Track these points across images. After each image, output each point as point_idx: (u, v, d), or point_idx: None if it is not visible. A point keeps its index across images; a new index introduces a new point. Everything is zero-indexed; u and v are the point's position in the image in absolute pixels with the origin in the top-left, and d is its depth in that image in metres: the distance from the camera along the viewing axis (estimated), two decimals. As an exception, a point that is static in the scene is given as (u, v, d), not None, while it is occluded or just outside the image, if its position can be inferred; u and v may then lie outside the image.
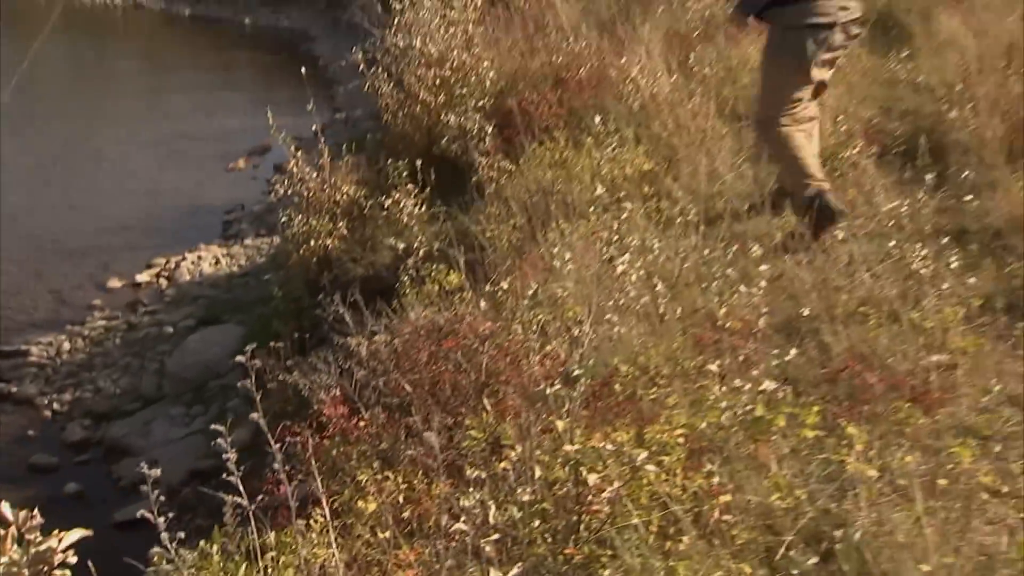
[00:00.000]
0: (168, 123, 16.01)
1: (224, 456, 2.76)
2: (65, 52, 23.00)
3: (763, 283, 4.07)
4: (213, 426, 2.72)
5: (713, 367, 3.61)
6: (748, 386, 3.36)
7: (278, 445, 3.35)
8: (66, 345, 8.67)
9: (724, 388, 3.44)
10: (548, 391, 3.05)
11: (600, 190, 4.93)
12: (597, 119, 6.27)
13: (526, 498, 2.86)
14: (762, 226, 5.20)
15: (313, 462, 3.41)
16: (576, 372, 3.04)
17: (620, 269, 4.30)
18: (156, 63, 21.28)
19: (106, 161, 13.89)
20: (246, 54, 21.77)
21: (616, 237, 4.48)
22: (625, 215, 4.69)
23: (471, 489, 2.94)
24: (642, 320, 4.21)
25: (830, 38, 5.02)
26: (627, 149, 6.06)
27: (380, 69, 8.66)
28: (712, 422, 3.24)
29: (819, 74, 5.11)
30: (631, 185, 5.54)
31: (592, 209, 4.93)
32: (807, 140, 5.21)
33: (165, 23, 25.25)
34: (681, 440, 3.24)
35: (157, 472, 2.80)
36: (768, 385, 3.32)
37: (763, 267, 4.20)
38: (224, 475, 2.97)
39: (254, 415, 2.81)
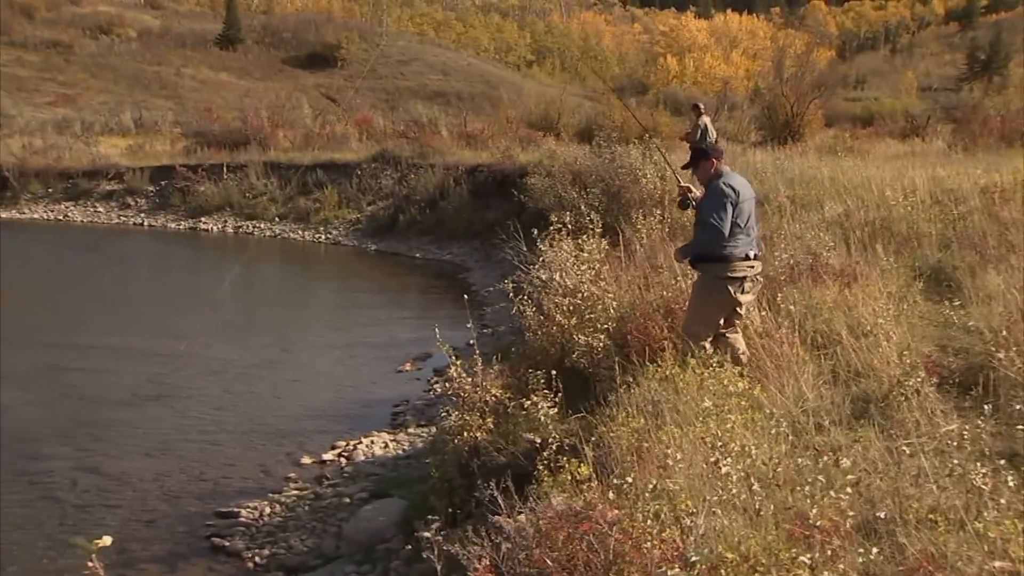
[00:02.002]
0: (353, 332, 16.44)
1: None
2: (280, 276, 24.06)
3: (849, 489, 3.92)
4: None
5: (805, 559, 3.46)
6: (836, 577, 3.21)
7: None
8: (267, 509, 8.71)
9: (815, 578, 3.29)
10: (669, 573, 2.96)
11: (707, 402, 4.87)
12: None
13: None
14: (840, 438, 5.07)
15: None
16: (694, 558, 2.95)
17: (724, 470, 4.20)
18: (346, 286, 22.03)
19: (305, 361, 14.26)
20: (416, 280, 22.39)
21: (720, 443, 4.39)
22: (729, 424, 4.61)
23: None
24: (741, 514, 4.09)
25: (743, 285, 6.47)
26: (725, 369, 6.01)
27: (525, 295, 8.83)
28: (806, 608, 3.09)
29: (737, 307, 6.52)
30: (728, 399, 5.46)
31: (699, 418, 4.86)
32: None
33: (356, 255, 26.21)
34: (779, 622, 3.10)
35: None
36: (854, 578, 3.17)
37: (850, 476, 4.05)
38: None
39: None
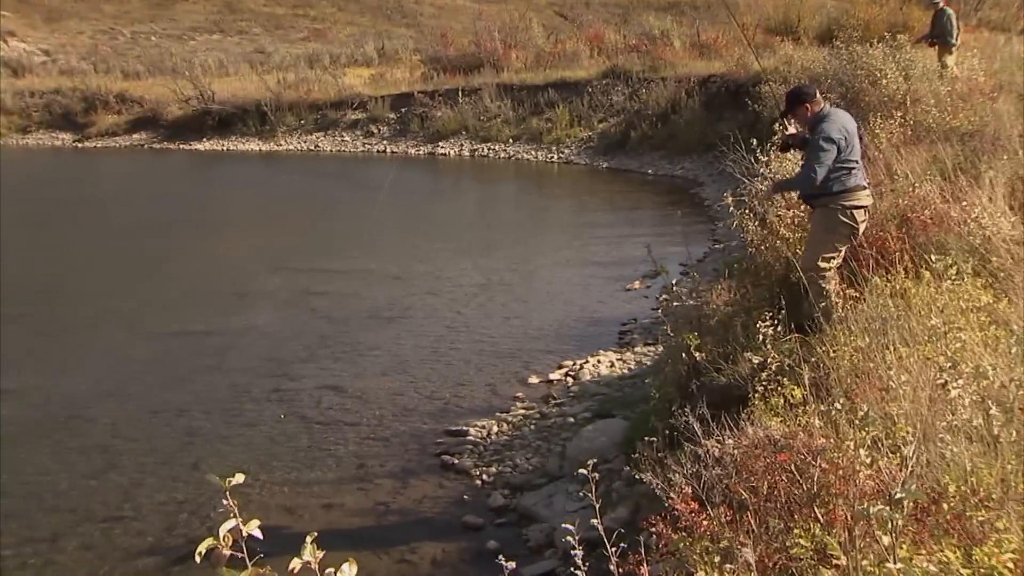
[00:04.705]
0: (584, 251, 16.45)
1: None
2: (513, 197, 24.37)
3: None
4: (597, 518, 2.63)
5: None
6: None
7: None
8: (495, 428, 8.86)
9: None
10: (871, 510, 2.68)
11: (935, 320, 4.42)
12: (937, 256, 5.71)
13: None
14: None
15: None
16: (899, 495, 2.65)
17: (954, 393, 3.80)
18: (578, 205, 22.02)
19: (535, 280, 14.41)
20: (647, 197, 22.06)
21: (950, 364, 3.97)
22: (959, 344, 4.16)
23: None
24: (974, 442, 3.69)
25: (857, 216, 6.72)
26: (966, 282, 5.47)
27: (747, 209, 8.42)
28: (1045, 551, 2.73)
29: (852, 238, 6.79)
30: (967, 315, 4.96)
31: (929, 337, 4.43)
32: (834, 282, 6.67)
33: (588, 173, 26.14)
34: (1011, 565, 2.75)
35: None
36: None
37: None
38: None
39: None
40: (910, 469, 3.14)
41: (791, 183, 7.00)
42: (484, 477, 7.97)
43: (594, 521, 2.99)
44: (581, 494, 7.31)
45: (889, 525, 2.64)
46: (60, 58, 46.80)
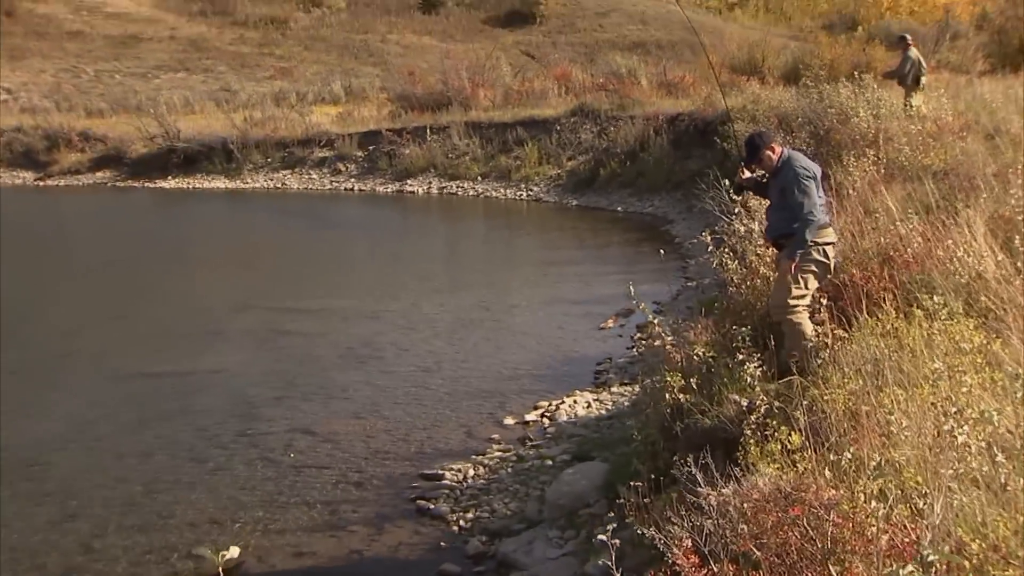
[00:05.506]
0: (555, 289, 16.29)
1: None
2: (483, 235, 24.24)
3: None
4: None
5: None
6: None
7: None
8: (471, 471, 8.62)
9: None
10: (902, 572, 2.49)
11: (938, 364, 4.27)
12: (927, 295, 5.59)
13: None
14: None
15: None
16: (930, 556, 2.47)
17: (960, 440, 3.63)
18: (548, 242, 21.91)
19: (507, 318, 14.23)
20: (617, 234, 22.02)
21: (954, 409, 3.81)
22: (966, 388, 4.01)
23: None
24: (983, 490, 3.53)
25: (829, 252, 6.73)
26: (956, 322, 5.33)
27: (726, 247, 8.31)
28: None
29: (822, 278, 6.80)
30: (963, 356, 4.82)
31: (929, 380, 4.28)
32: (808, 318, 6.62)
33: (557, 211, 26.12)
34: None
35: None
36: None
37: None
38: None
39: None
40: (934, 524, 2.97)
41: (801, 236, 6.67)
42: (461, 523, 7.71)
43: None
44: (561, 540, 7.10)
45: (920, 589, 2.46)
46: (22, 96, 46.27)
